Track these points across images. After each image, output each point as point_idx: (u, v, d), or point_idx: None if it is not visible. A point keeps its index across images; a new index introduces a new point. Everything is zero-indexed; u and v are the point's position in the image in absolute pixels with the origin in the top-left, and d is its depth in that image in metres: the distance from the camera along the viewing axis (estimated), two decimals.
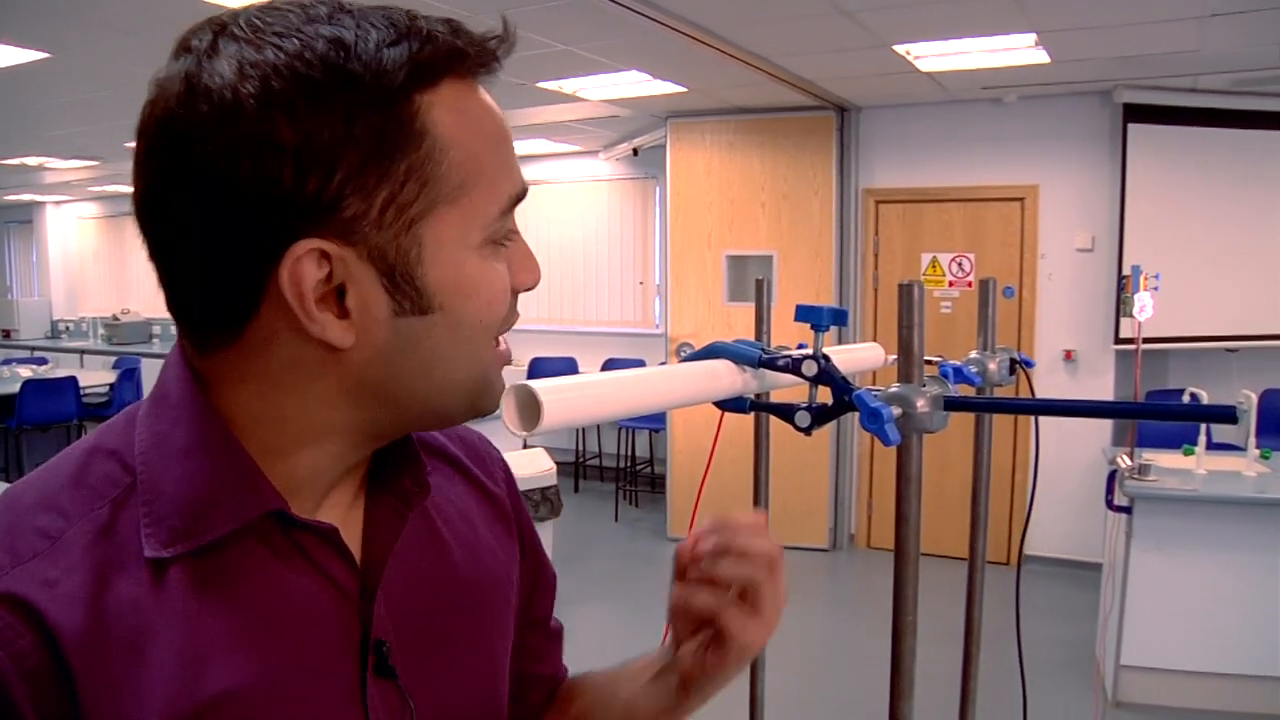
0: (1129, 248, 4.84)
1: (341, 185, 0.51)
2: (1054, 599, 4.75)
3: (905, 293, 0.68)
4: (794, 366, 0.74)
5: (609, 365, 7.12)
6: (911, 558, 0.69)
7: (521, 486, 0.78)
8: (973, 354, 1.09)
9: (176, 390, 0.58)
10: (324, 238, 0.52)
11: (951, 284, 5.40)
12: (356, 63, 0.51)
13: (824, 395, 0.75)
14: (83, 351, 9.81)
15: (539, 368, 7.34)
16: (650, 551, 5.63)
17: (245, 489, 0.56)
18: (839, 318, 0.76)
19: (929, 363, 0.99)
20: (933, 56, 4.29)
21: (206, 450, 0.56)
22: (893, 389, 0.69)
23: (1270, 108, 4.76)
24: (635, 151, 6.58)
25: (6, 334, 10.75)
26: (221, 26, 0.52)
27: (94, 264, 11.20)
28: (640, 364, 6.84)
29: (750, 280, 5.40)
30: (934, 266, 5.42)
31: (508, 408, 0.56)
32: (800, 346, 0.80)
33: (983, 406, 0.69)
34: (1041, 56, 4.22)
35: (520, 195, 0.60)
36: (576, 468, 7.07)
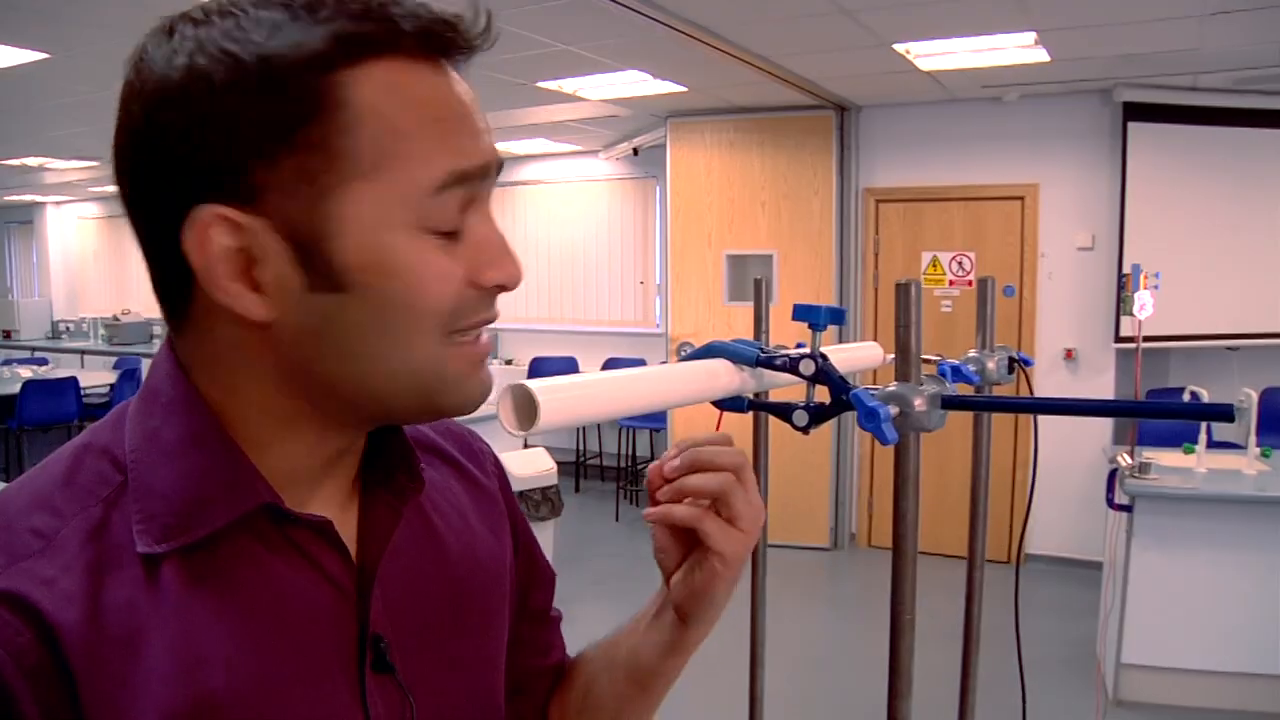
0: (1129, 246, 4.84)
1: (242, 151, 0.52)
2: (1055, 597, 4.75)
3: (902, 292, 0.68)
4: (791, 366, 0.74)
5: (609, 365, 7.12)
6: (909, 556, 0.69)
7: (522, 486, 0.78)
8: (971, 353, 1.09)
9: (165, 385, 0.58)
10: (228, 204, 0.52)
11: (952, 283, 5.39)
12: (276, 40, 0.52)
13: (822, 394, 0.75)
14: (83, 352, 9.81)
15: (539, 367, 7.34)
16: (650, 551, 5.62)
17: (237, 483, 0.56)
18: (836, 317, 0.76)
19: (927, 361, 0.99)
20: (933, 55, 4.29)
21: (197, 445, 0.56)
22: (890, 388, 0.69)
23: (1271, 106, 4.75)
24: (635, 151, 6.59)
25: (7, 334, 10.76)
26: (181, 17, 0.55)
27: (94, 264, 11.21)
28: (641, 363, 6.83)
29: (750, 279, 5.40)
30: (934, 265, 5.42)
31: (504, 408, 0.56)
32: (799, 346, 0.80)
33: (980, 405, 0.69)
34: (1041, 55, 4.22)
35: (467, 173, 0.55)
36: (577, 467, 7.07)
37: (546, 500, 4.00)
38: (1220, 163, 4.86)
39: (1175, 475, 3.52)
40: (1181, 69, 4.47)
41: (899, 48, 4.15)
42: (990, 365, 1.06)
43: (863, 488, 5.72)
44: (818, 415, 0.74)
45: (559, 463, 4.31)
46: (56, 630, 0.51)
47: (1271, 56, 4.15)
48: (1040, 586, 4.92)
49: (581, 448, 7.13)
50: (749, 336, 1.16)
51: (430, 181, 0.54)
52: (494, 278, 0.58)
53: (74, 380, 6.94)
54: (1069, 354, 5.18)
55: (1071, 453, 5.05)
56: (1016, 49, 4.15)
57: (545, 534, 3.97)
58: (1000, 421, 4.77)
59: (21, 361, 8.48)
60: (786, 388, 0.81)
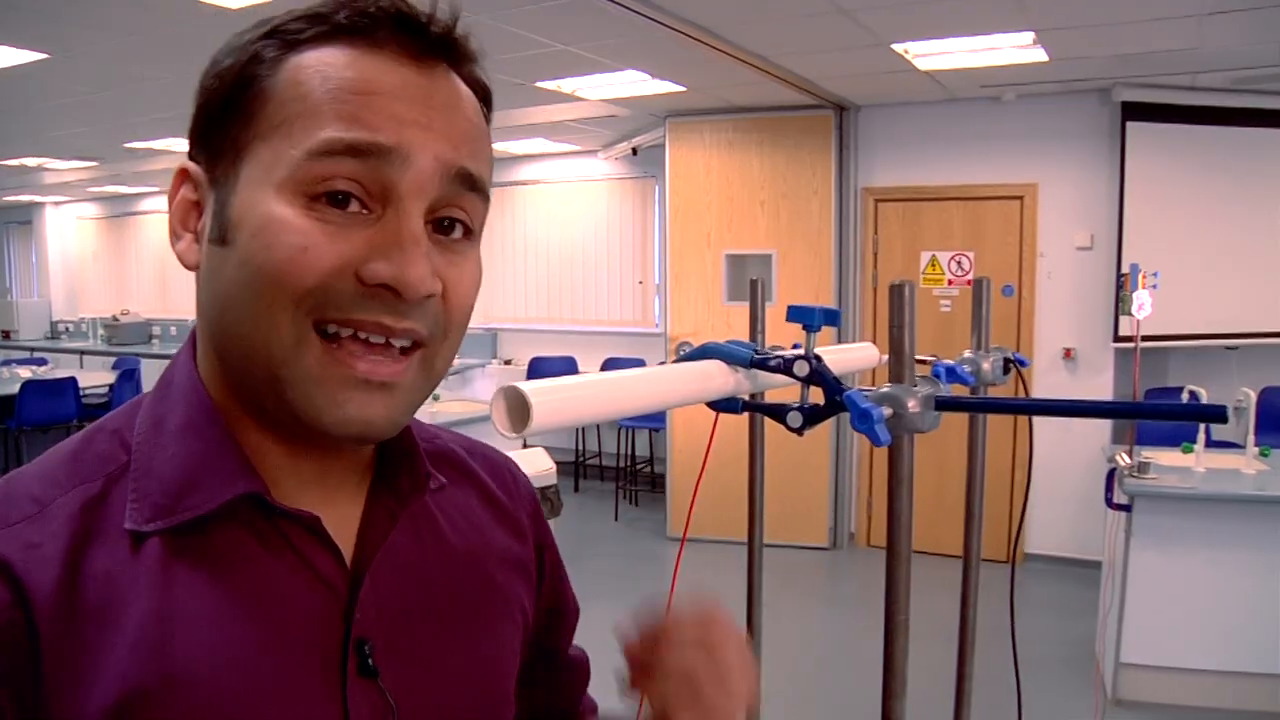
0: (1128, 246, 4.84)
1: (207, 118, 0.58)
2: (1054, 597, 4.75)
3: (896, 293, 0.68)
4: (786, 367, 0.74)
5: (608, 364, 7.12)
6: (903, 557, 0.69)
7: None
8: (966, 353, 1.09)
9: (180, 375, 0.61)
10: (196, 160, 0.59)
11: (951, 282, 5.39)
12: (256, 31, 0.58)
13: (816, 395, 0.75)
14: (82, 352, 9.81)
15: (538, 367, 7.34)
16: (650, 551, 5.63)
17: (225, 470, 0.57)
18: (831, 318, 0.76)
19: (922, 362, 1.00)
20: (931, 55, 4.29)
21: (194, 431, 0.58)
22: (884, 389, 0.69)
23: (1269, 105, 4.75)
24: (634, 151, 6.58)
25: (6, 335, 10.76)
26: None
27: (93, 265, 11.21)
28: (640, 363, 6.84)
29: (750, 279, 5.39)
30: (933, 265, 5.42)
31: (497, 410, 0.56)
32: (796, 346, 0.80)
33: (974, 406, 0.69)
34: (1040, 55, 4.22)
35: (355, 145, 0.53)
36: (576, 467, 7.07)
37: (545, 500, 4.01)
38: (1219, 162, 4.86)
39: (1174, 475, 3.53)
40: (1180, 68, 4.47)
41: (898, 47, 4.15)
42: (985, 366, 1.06)
43: (862, 487, 5.72)
44: (812, 416, 0.74)
45: (558, 462, 4.31)
46: (29, 592, 0.52)
47: (1270, 56, 4.15)
48: (1039, 586, 4.92)
49: (581, 447, 7.13)
50: (748, 336, 1.16)
51: (309, 144, 0.54)
52: (376, 271, 0.54)
53: (73, 381, 6.94)
54: (1068, 353, 5.18)
55: (1070, 452, 5.06)
56: (1015, 49, 4.15)
57: None
58: (999, 421, 4.77)
59: (20, 362, 8.47)
60: (783, 388, 0.81)
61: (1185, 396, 3.61)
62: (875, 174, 5.55)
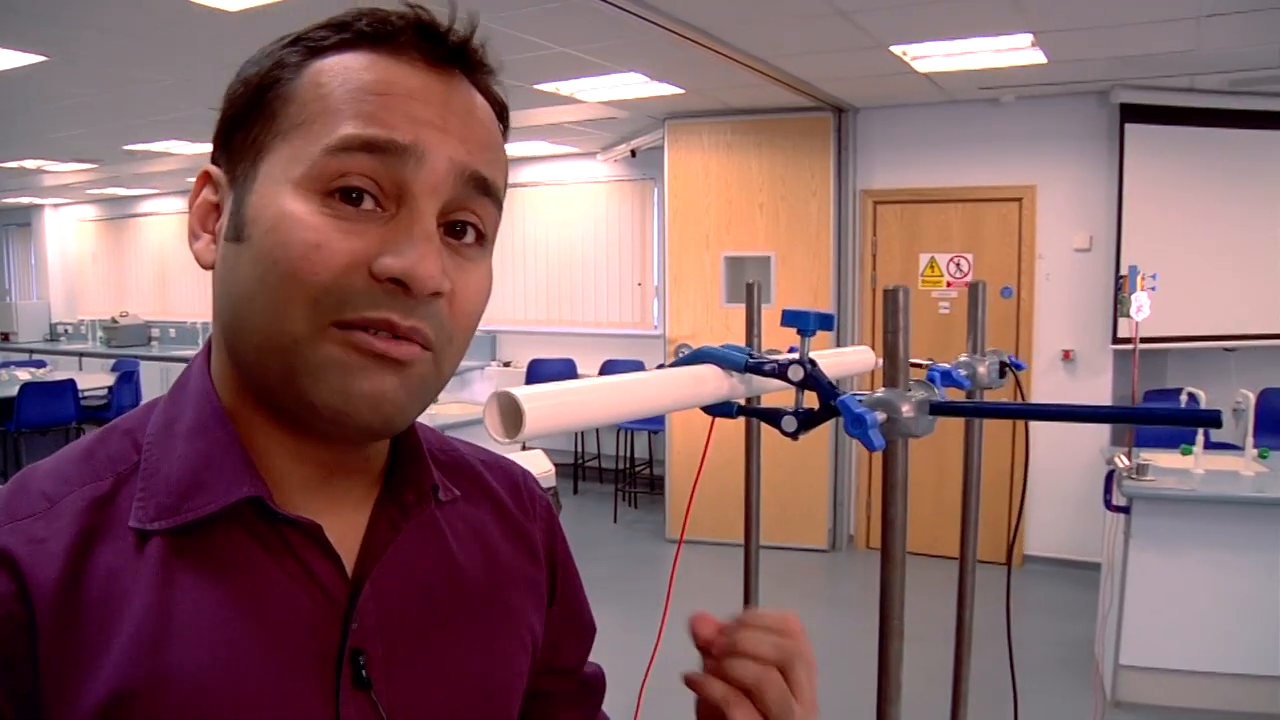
0: (1127, 248, 4.85)
1: (231, 122, 0.59)
2: (1053, 599, 4.75)
3: (890, 298, 0.68)
4: (780, 371, 0.74)
5: (607, 366, 7.12)
6: (898, 561, 0.69)
7: None
8: (962, 357, 1.09)
9: (193, 378, 0.62)
10: (217, 164, 0.60)
11: (950, 284, 5.40)
12: (281, 41, 0.59)
13: (811, 400, 0.75)
14: (81, 354, 9.81)
15: (537, 369, 7.34)
16: (649, 553, 5.63)
17: (230, 473, 0.57)
18: (825, 323, 0.75)
19: (919, 365, 0.99)
20: (930, 57, 4.30)
21: (202, 433, 0.59)
22: (878, 394, 0.69)
23: (1267, 107, 4.76)
24: (633, 153, 6.59)
25: (5, 337, 10.76)
26: None
27: (93, 267, 11.21)
28: (639, 365, 6.84)
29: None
30: (932, 267, 5.42)
31: (490, 415, 0.56)
32: (792, 350, 0.79)
33: (968, 411, 0.69)
34: (1038, 57, 4.23)
35: (373, 142, 0.54)
36: (575, 469, 7.07)
37: None
38: (1217, 164, 4.86)
39: (1173, 477, 3.53)
40: (1178, 70, 4.47)
41: (896, 49, 4.15)
42: (981, 370, 1.06)
43: (861, 489, 5.72)
44: (806, 421, 0.74)
45: (557, 464, 4.31)
46: (32, 586, 0.53)
47: (1268, 58, 4.15)
48: (1038, 587, 4.92)
49: (580, 449, 7.13)
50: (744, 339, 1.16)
51: (326, 140, 0.55)
52: (387, 265, 0.54)
53: (72, 383, 6.94)
54: (1067, 355, 5.19)
55: (1069, 454, 5.06)
56: (1013, 51, 4.16)
57: None
58: (999, 423, 4.77)
59: (20, 364, 8.47)
60: (780, 392, 0.81)
61: (1184, 398, 3.61)
62: (874, 176, 5.55)
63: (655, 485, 6.75)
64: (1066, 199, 5.13)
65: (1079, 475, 5.04)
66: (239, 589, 0.57)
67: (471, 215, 0.59)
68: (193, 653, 0.54)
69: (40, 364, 8.61)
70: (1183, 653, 3.50)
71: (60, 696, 0.52)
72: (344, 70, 0.56)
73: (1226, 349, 5.05)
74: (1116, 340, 4.93)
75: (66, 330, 11.10)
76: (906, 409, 0.67)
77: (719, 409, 0.79)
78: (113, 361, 8.82)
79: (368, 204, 0.55)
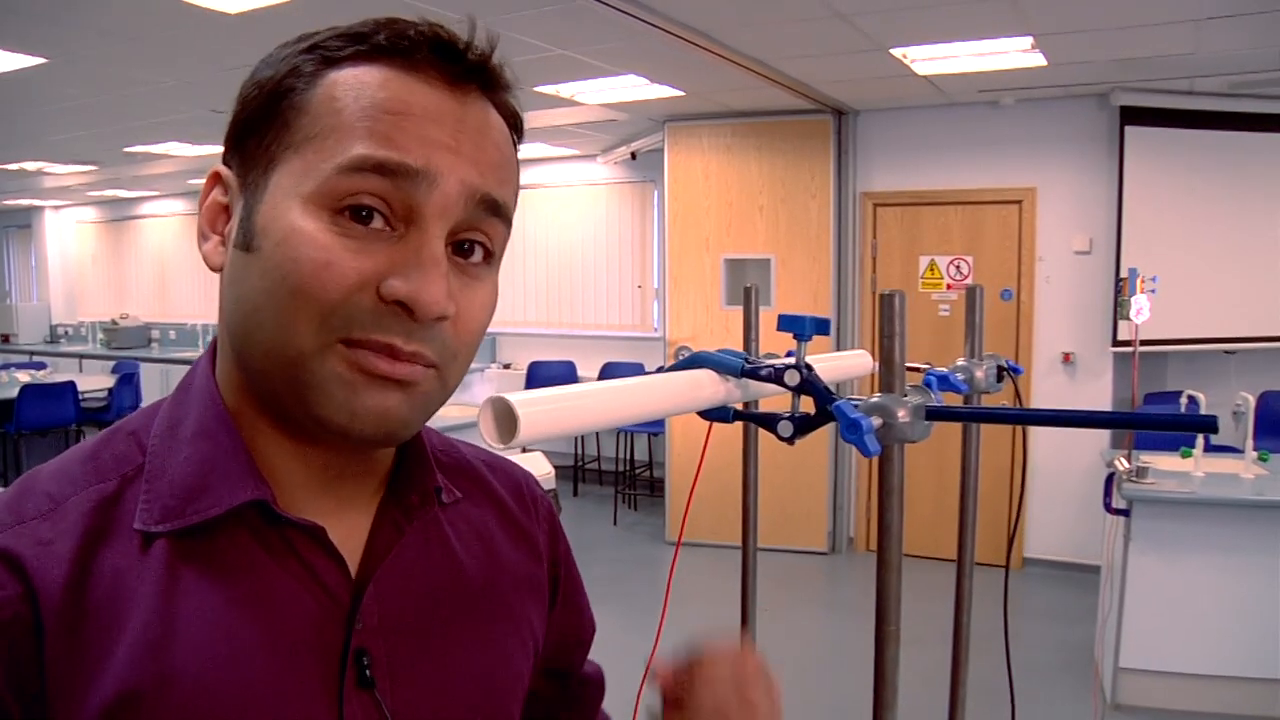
0: (1126, 250, 4.85)
1: (243, 125, 0.59)
2: (1053, 601, 4.74)
3: (886, 302, 0.68)
4: (776, 376, 0.74)
5: (607, 369, 7.12)
6: (894, 566, 0.69)
7: None
8: (960, 361, 1.09)
9: (199, 380, 0.62)
10: (229, 165, 0.60)
11: (950, 287, 5.40)
12: (296, 46, 0.59)
13: (808, 405, 0.75)
14: (81, 356, 9.82)
15: (538, 371, 7.34)
16: (649, 555, 5.62)
17: (234, 476, 0.58)
18: (821, 327, 0.75)
19: (916, 369, 0.99)
20: (930, 60, 4.30)
21: (207, 436, 0.59)
22: (873, 399, 0.69)
23: (1266, 110, 4.76)
24: (633, 155, 6.59)
25: (5, 339, 10.76)
26: None
27: (93, 268, 11.21)
28: (639, 367, 6.84)
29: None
30: (932, 269, 5.42)
31: (484, 420, 0.56)
32: (790, 354, 0.79)
33: (964, 416, 0.69)
34: (1038, 59, 4.23)
35: (384, 164, 0.54)
36: (576, 471, 7.07)
37: None
38: (1217, 166, 4.86)
39: (1172, 479, 3.52)
40: (1178, 73, 4.47)
41: (896, 52, 4.16)
42: (979, 374, 1.06)
43: (861, 492, 5.72)
44: (802, 426, 0.73)
45: (557, 467, 4.30)
46: (38, 588, 0.53)
47: (1267, 61, 4.15)
48: (1038, 590, 4.92)
49: (580, 452, 7.13)
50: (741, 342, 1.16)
51: (339, 159, 0.55)
52: (393, 287, 0.54)
53: (72, 385, 6.94)
54: (1067, 358, 5.18)
55: (1069, 457, 5.06)
56: (1013, 53, 4.16)
57: None
58: (998, 426, 4.76)
59: (19, 366, 8.47)
60: (778, 396, 0.81)
61: (1184, 401, 3.61)
62: (874, 178, 5.55)
63: (655, 488, 6.75)
64: (1066, 201, 5.13)
65: (1079, 478, 5.04)
66: (243, 591, 0.57)
67: (480, 235, 0.59)
68: (197, 654, 0.55)
69: (40, 366, 8.62)
70: (1183, 656, 3.50)
71: (66, 698, 0.53)
72: (359, 85, 0.56)
73: (1226, 351, 5.05)
74: (1116, 343, 4.93)
75: (66, 332, 11.11)
76: (902, 414, 0.67)
77: (715, 414, 0.79)
78: (113, 363, 8.83)
79: (377, 223, 0.55)
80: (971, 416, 0.72)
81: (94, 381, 7.65)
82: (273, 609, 0.58)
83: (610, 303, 7.31)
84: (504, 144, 0.62)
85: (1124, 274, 4.25)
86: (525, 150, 7.65)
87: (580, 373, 7.29)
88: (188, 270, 10.05)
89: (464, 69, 0.58)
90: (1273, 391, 4.80)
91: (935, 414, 0.69)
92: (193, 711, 0.54)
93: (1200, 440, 3.69)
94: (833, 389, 0.74)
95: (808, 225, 5.54)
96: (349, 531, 0.63)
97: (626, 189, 7.18)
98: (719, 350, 0.77)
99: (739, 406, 0.82)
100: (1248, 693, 3.44)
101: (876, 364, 0.94)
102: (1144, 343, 3.73)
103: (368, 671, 0.60)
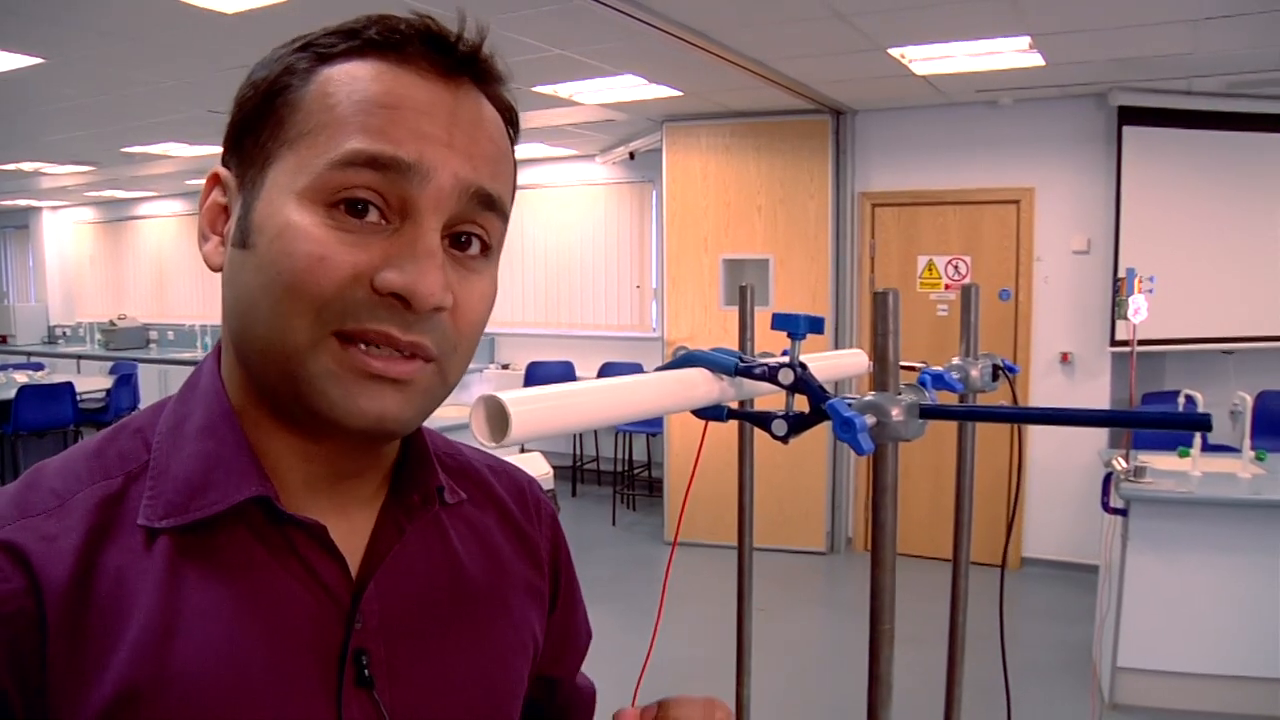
0: (1125, 250, 4.85)
1: (240, 125, 0.59)
2: (1051, 601, 4.75)
3: (880, 301, 0.68)
4: (770, 375, 0.74)
5: (606, 368, 7.12)
6: (888, 566, 0.69)
7: None
8: (955, 360, 1.09)
9: (204, 379, 0.63)
10: (228, 166, 0.60)
11: (948, 287, 5.40)
12: (290, 46, 0.59)
13: (802, 403, 0.75)
14: (79, 357, 9.81)
15: (536, 371, 7.34)
16: (647, 555, 5.62)
17: (237, 473, 0.58)
18: (815, 326, 0.75)
19: (912, 368, 0.99)
20: (928, 60, 4.30)
21: (211, 433, 0.60)
22: (867, 398, 0.69)
23: (1264, 110, 4.76)
24: (631, 155, 6.59)
25: (3, 339, 10.76)
26: None
27: (91, 269, 11.21)
28: (638, 367, 6.84)
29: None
30: (930, 269, 5.42)
31: (476, 419, 0.56)
32: (785, 353, 0.79)
33: (959, 415, 0.69)
34: (1036, 59, 4.23)
35: (377, 158, 0.54)
36: (574, 471, 7.07)
37: None
38: (1215, 166, 4.87)
39: (1170, 479, 3.52)
40: (1176, 73, 4.47)
41: (894, 52, 4.16)
42: (974, 373, 1.06)
43: (859, 492, 5.72)
44: (796, 425, 0.73)
45: (555, 467, 4.31)
46: (42, 582, 0.53)
47: (1265, 60, 4.16)
48: (1037, 590, 4.92)
49: (578, 452, 7.13)
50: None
51: (332, 154, 0.55)
52: (388, 280, 0.54)
53: (69, 385, 6.93)
54: (1065, 357, 5.19)
55: (1067, 456, 5.06)
56: (1011, 53, 4.16)
57: None
58: (996, 425, 4.77)
59: (17, 366, 8.47)
60: (773, 395, 0.81)
61: (1181, 400, 3.61)
62: (872, 178, 5.55)
63: (654, 488, 6.75)
64: (1064, 201, 5.13)
65: (1077, 477, 5.04)
66: (244, 589, 0.57)
67: (476, 228, 0.59)
68: (198, 652, 0.55)
69: (38, 366, 8.61)
70: (1180, 655, 3.50)
71: (69, 693, 0.53)
72: (351, 80, 0.56)
73: (1224, 351, 5.05)
74: (1115, 343, 4.93)
75: (64, 333, 11.10)
76: (896, 413, 0.67)
77: (709, 412, 0.79)
78: (111, 364, 8.82)
79: (372, 216, 0.55)
80: (966, 415, 0.72)
81: (92, 382, 7.64)
82: (273, 607, 0.58)
83: (609, 303, 7.31)
84: (498, 137, 0.62)
85: (1122, 274, 4.25)
86: (523, 150, 7.69)
87: (579, 373, 7.29)
88: (186, 271, 10.04)
89: (455, 60, 0.59)
90: (1270, 391, 4.80)
91: (929, 413, 0.69)
92: (192, 709, 0.54)
93: (1198, 440, 3.70)
94: (829, 388, 0.74)
95: (806, 225, 5.54)
96: (351, 531, 0.63)
97: (625, 189, 7.18)
98: (714, 349, 0.77)
99: (734, 405, 0.82)
100: (1246, 692, 3.44)
101: (872, 363, 0.94)
102: (1142, 342, 3.73)
103: (366, 671, 0.60)
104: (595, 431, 6.99)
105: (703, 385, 0.73)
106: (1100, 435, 4.97)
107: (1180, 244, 4.90)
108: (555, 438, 6.36)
